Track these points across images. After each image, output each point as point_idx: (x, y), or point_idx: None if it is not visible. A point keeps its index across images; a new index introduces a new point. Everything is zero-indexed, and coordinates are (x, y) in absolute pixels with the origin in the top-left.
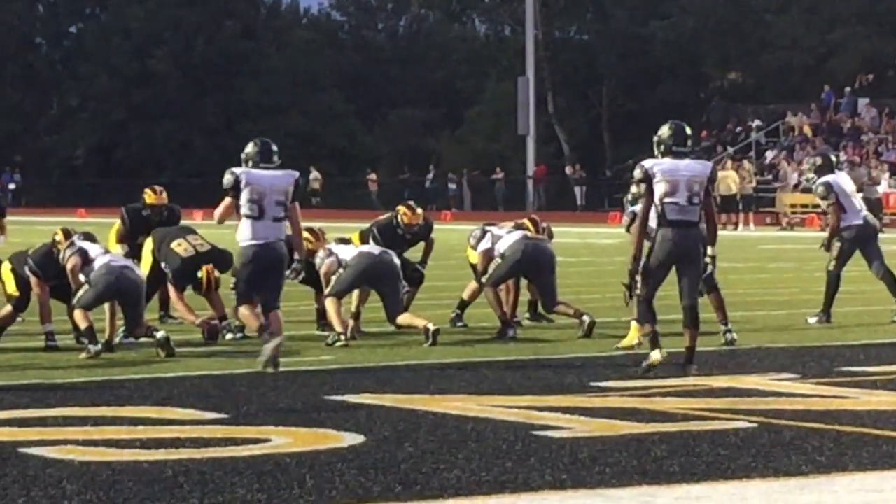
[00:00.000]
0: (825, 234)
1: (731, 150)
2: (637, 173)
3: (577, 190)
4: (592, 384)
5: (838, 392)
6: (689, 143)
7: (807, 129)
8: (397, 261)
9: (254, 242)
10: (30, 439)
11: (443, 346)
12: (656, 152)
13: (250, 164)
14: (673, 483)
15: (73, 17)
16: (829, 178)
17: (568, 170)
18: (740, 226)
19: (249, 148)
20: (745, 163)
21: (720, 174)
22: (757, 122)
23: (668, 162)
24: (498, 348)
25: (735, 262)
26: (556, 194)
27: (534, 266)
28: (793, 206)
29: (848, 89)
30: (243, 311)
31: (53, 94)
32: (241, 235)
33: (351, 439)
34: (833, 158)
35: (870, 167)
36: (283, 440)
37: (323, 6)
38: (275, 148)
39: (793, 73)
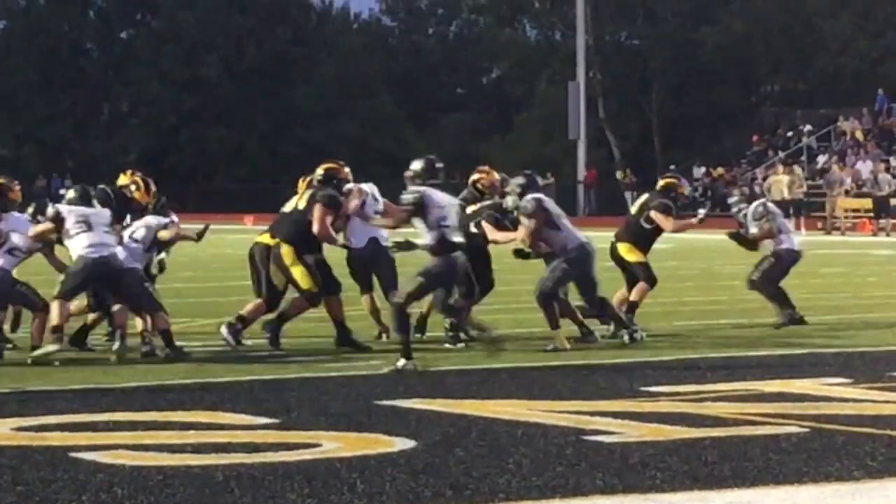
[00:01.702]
0: (876, 239)
1: (782, 154)
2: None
3: (627, 195)
4: (643, 389)
5: (890, 397)
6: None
7: (858, 134)
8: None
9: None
10: (81, 444)
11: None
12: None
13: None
14: (724, 488)
15: (124, 23)
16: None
17: (618, 175)
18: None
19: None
20: (796, 168)
21: (772, 179)
22: (808, 127)
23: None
24: (546, 353)
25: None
26: (607, 199)
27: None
28: (844, 210)
29: None
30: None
31: (104, 100)
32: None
33: (401, 444)
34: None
35: None
36: (333, 445)
37: (373, 11)
38: (93, 192)
39: (844, 77)
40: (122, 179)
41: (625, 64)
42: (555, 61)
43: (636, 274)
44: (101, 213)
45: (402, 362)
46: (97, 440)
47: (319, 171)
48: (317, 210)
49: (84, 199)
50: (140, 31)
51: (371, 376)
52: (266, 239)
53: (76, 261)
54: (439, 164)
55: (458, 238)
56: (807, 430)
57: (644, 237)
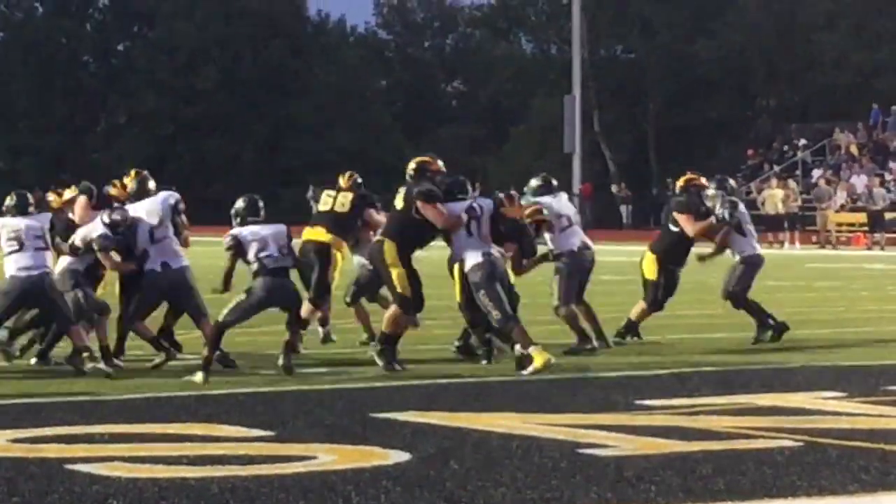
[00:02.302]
0: (870, 253)
1: (777, 168)
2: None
3: (623, 208)
4: (637, 402)
5: (884, 411)
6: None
7: (853, 148)
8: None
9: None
10: (76, 456)
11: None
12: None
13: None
14: (718, 501)
15: (121, 34)
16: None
17: (614, 188)
18: (786, 244)
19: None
20: (790, 182)
21: (766, 192)
22: (803, 141)
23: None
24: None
25: (781, 281)
26: (602, 212)
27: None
28: (839, 225)
29: (895, 108)
30: None
31: (101, 110)
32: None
33: (396, 457)
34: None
35: None
36: (328, 457)
37: (370, 25)
38: (31, 199)
39: (839, 91)
40: (128, 181)
41: (620, 77)
42: (550, 74)
43: (644, 290)
44: (33, 226)
45: (198, 375)
46: (93, 452)
47: (412, 164)
48: (428, 208)
49: (20, 208)
50: (137, 42)
51: (366, 389)
52: (319, 235)
53: (8, 280)
54: (261, 203)
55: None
56: (801, 443)
57: (673, 246)
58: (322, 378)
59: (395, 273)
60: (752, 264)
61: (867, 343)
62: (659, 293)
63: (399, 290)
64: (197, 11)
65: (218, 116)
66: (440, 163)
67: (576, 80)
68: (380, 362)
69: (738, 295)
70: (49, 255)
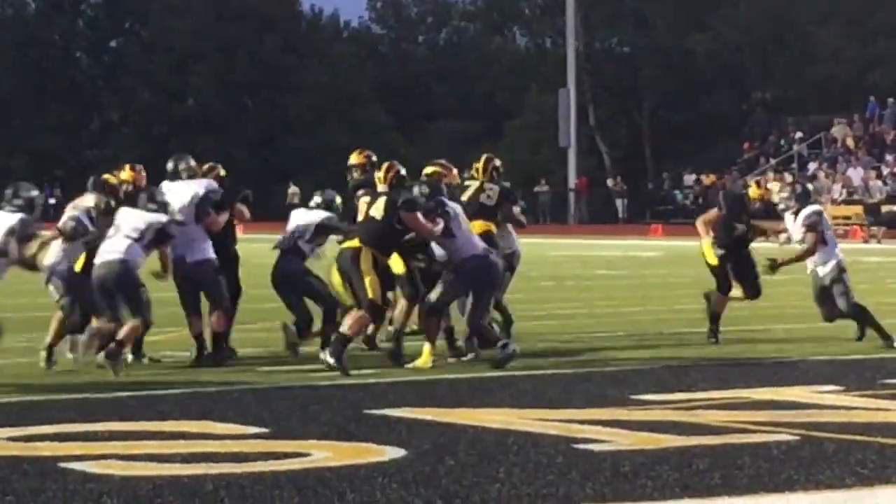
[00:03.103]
0: (868, 246)
1: (773, 161)
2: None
3: (618, 202)
4: (633, 397)
5: (881, 404)
6: None
7: (849, 141)
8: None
9: None
10: (71, 454)
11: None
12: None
13: None
14: (715, 496)
15: (114, 31)
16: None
17: (609, 182)
18: (782, 237)
19: None
20: (787, 175)
21: None
22: (799, 134)
23: None
24: (537, 361)
25: (778, 275)
26: (598, 207)
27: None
28: (835, 217)
29: (891, 100)
30: None
31: (94, 108)
32: None
33: (392, 453)
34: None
35: None
36: (323, 454)
37: (363, 20)
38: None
39: (835, 84)
40: (124, 174)
41: (615, 71)
42: (545, 69)
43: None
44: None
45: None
46: (86, 450)
47: (427, 170)
48: (411, 218)
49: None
50: (130, 39)
51: (361, 385)
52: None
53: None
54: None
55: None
56: (797, 437)
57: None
58: (316, 375)
59: (369, 280)
60: (844, 269)
61: (865, 336)
62: (721, 274)
63: (371, 296)
64: (190, 9)
65: (211, 114)
66: (455, 171)
67: (570, 74)
68: (331, 360)
69: (852, 308)
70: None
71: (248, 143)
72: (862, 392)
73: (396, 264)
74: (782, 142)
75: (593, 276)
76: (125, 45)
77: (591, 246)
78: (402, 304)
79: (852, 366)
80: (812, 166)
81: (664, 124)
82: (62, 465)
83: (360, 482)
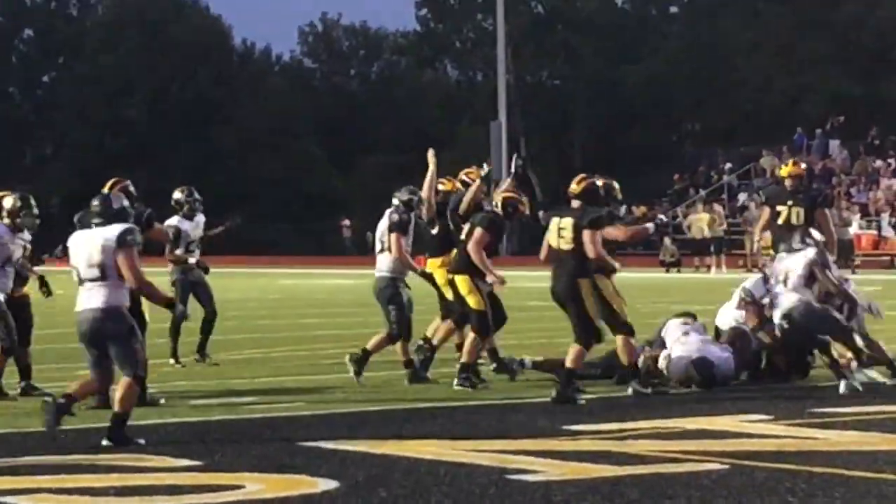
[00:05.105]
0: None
1: (703, 192)
2: None
3: None
4: (564, 427)
5: (810, 433)
6: None
7: (779, 172)
8: None
9: None
10: (4, 488)
11: (415, 389)
12: None
13: None
14: None
15: (46, 65)
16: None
17: (541, 214)
18: (713, 269)
19: None
20: (716, 206)
21: (692, 217)
22: (729, 165)
23: None
24: (469, 392)
25: (707, 305)
26: (530, 239)
27: None
28: (766, 248)
29: (819, 131)
30: None
31: (27, 142)
32: None
33: (325, 485)
34: None
35: (840, 208)
36: (256, 486)
37: (295, 54)
38: None
39: (764, 115)
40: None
41: (546, 103)
42: (477, 101)
43: None
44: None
45: None
46: (20, 484)
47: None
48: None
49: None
50: (62, 73)
51: (294, 417)
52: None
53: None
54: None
55: None
56: (728, 466)
57: None
58: (250, 408)
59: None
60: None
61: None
62: None
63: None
64: (122, 42)
65: (144, 147)
66: (457, 183)
67: (501, 107)
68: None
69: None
70: None
71: (182, 175)
72: (791, 421)
73: (473, 300)
74: (712, 173)
75: (525, 307)
76: (57, 79)
77: (523, 277)
78: (471, 336)
79: (781, 395)
80: (742, 197)
81: (595, 156)
82: None
83: None
